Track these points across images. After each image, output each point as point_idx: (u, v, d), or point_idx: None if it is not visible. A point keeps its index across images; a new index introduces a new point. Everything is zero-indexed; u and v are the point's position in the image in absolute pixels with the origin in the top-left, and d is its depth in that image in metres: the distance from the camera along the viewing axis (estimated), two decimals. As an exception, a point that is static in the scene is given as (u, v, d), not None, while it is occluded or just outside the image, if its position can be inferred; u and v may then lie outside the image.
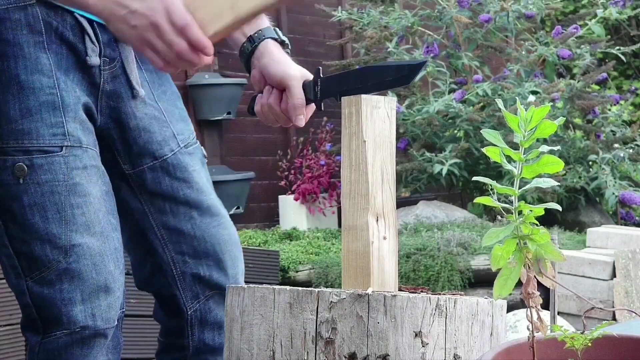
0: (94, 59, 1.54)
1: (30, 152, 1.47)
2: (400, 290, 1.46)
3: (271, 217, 5.72)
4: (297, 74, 1.61)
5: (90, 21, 1.53)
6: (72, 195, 1.49)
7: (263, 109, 1.65)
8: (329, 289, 1.35)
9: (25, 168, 1.47)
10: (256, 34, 1.64)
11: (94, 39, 1.53)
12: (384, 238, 1.45)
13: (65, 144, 1.49)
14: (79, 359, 1.51)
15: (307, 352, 1.34)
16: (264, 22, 1.66)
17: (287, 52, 1.67)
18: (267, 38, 1.64)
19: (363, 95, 1.44)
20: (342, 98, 1.53)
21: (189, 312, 1.67)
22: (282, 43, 1.66)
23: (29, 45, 1.48)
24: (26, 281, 1.50)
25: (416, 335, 1.31)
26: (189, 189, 1.65)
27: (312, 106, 1.62)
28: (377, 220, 1.44)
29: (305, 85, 1.60)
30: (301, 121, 1.61)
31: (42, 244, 1.48)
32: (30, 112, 1.47)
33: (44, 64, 1.48)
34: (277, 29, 1.67)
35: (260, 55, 1.64)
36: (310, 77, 1.62)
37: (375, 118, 1.44)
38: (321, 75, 1.60)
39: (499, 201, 1.04)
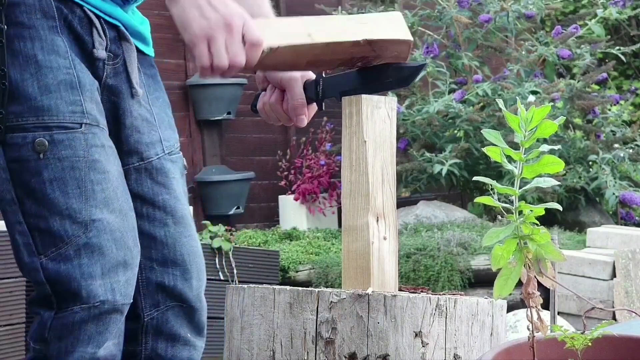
0: (101, 52, 1.55)
1: (50, 127, 1.48)
2: (400, 290, 1.46)
3: (271, 217, 5.72)
4: (296, 74, 1.61)
5: (97, 16, 1.54)
6: (92, 171, 1.50)
7: (265, 107, 1.66)
8: (329, 289, 1.35)
9: (46, 143, 1.47)
10: None
11: (101, 33, 1.55)
12: (384, 238, 1.45)
13: (85, 122, 1.50)
14: (92, 335, 1.51)
15: (307, 352, 1.34)
16: None
17: None
18: None
19: (364, 96, 1.44)
20: (343, 98, 1.53)
21: (146, 319, 1.67)
22: None
23: (43, 28, 1.49)
24: (40, 259, 1.50)
25: (416, 335, 1.31)
26: (168, 195, 1.66)
27: (314, 105, 1.62)
28: (377, 220, 1.44)
29: (307, 85, 1.60)
30: (302, 121, 1.62)
31: (62, 219, 1.48)
32: (49, 90, 1.48)
33: (59, 46, 1.50)
34: None
35: None
36: (312, 76, 1.62)
37: (375, 118, 1.44)
38: (323, 75, 1.60)
39: (499, 201, 1.04)
